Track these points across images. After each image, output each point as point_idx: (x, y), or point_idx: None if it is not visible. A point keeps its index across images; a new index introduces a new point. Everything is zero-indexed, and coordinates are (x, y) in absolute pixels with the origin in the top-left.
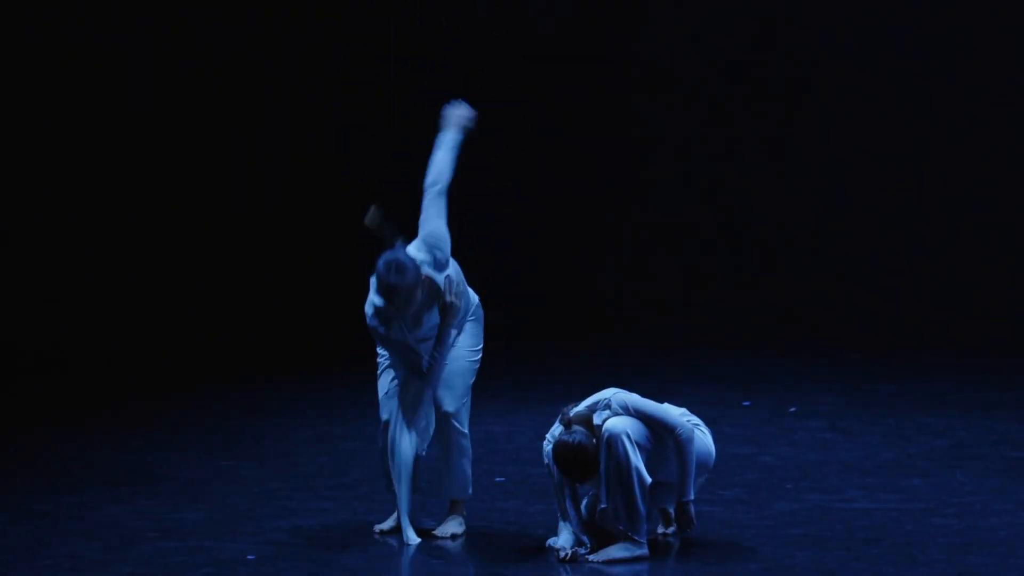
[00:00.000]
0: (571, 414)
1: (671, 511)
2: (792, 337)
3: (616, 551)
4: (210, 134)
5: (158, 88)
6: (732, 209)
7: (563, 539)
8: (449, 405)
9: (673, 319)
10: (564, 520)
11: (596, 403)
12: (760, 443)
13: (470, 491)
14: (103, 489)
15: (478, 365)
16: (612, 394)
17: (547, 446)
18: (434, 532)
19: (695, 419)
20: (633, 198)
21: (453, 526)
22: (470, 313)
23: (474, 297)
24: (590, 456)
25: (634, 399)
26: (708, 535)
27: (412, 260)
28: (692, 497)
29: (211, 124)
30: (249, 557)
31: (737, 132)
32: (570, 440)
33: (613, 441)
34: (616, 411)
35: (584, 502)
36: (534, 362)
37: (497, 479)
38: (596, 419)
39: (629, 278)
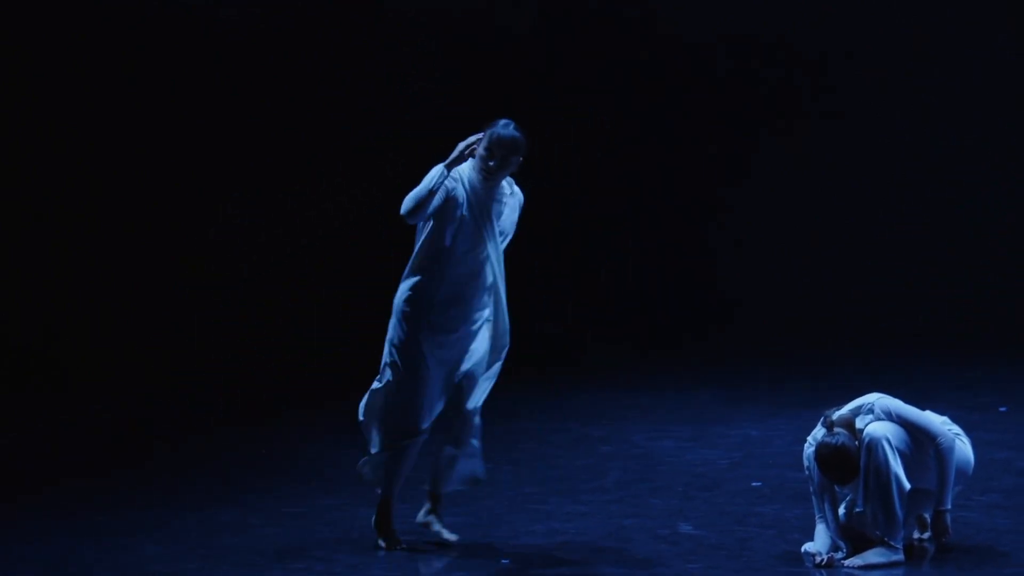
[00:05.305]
0: (834, 417)
1: (927, 517)
2: None
3: (872, 556)
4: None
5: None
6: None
7: (819, 544)
8: (478, 402)
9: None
10: (822, 523)
11: (859, 407)
12: (1018, 448)
13: None
14: (359, 492)
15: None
16: (876, 399)
17: (808, 448)
18: (446, 538)
19: (956, 428)
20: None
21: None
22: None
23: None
24: (851, 458)
25: (897, 405)
26: (964, 540)
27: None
28: (949, 506)
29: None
30: (503, 561)
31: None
32: (832, 442)
33: (874, 446)
34: (879, 416)
35: (842, 505)
36: (791, 366)
37: (754, 483)
38: (858, 423)
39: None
